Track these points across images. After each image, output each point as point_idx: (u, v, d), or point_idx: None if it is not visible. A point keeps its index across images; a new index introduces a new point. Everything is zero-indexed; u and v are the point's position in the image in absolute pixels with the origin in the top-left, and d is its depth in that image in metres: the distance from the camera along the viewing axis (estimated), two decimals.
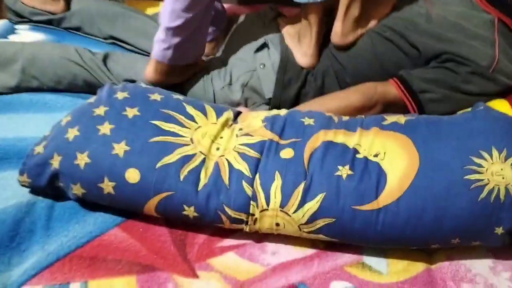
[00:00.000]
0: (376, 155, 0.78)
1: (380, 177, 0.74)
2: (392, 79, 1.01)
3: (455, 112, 0.93)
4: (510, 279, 0.73)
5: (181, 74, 1.09)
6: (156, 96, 0.89)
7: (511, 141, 0.72)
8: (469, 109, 0.85)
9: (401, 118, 0.85)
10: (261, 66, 1.09)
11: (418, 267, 0.75)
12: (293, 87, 1.09)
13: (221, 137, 0.85)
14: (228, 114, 0.90)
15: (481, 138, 0.73)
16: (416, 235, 0.72)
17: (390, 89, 0.99)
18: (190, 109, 0.88)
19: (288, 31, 1.14)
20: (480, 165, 0.70)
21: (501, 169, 0.69)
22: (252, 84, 1.09)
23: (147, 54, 1.20)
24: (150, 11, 1.44)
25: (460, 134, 0.75)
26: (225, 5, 1.36)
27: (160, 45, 1.03)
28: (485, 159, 0.71)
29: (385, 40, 1.05)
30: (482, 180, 0.69)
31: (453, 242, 0.73)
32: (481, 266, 0.75)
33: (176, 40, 1.02)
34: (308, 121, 0.86)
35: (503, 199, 0.69)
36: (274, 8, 1.27)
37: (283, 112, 0.91)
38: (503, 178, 0.69)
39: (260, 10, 1.29)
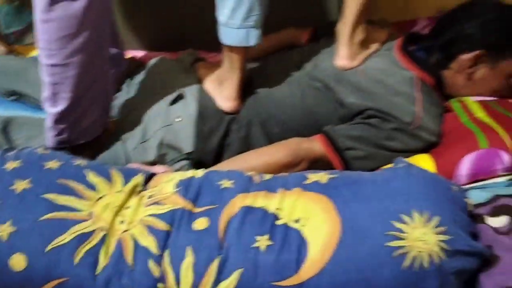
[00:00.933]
0: (297, 221, 0.72)
1: (301, 247, 0.68)
2: (317, 136, 0.98)
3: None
4: None
5: (90, 149, 0.99)
6: (53, 164, 0.79)
7: (433, 202, 0.69)
8: (391, 165, 0.82)
9: (323, 177, 0.80)
10: (177, 120, 1.02)
11: None
12: (214, 138, 1.03)
13: (127, 208, 0.76)
14: (138, 179, 0.81)
15: (401, 200, 0.69)
16: None
17: (316, 145, 0.96)
18: (91, 177, 0.78)
19: (207, 75, 1.09)
20: (401, 230, 0.66)
21: (423, 234, 0.65)
22: (168, 140, 1.01)
23: None
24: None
25: (381, 195, 0.71)
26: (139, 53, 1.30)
27: (50, 132, 0.93)
28: (406, 223, 0.66)
29: (315, 91, 1.04)
30: (404, 246, 0.65)
31: None
32: None
33: (65, 123, 0.92)
34: (226, 183, 0.79)
35: (427, 266, 0.64)
36: (193, 53, 1.21)
37: (200, 173, 0.83)
38: (425, 243, 0.65)
39: (177, 55, 1.23)
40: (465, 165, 0.88)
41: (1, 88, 1.16)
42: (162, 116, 1.02)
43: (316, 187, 0.77)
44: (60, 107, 0.90)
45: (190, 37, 1.25)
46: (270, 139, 1.04)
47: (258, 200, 0.76)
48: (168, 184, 0.80)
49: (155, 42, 1.42)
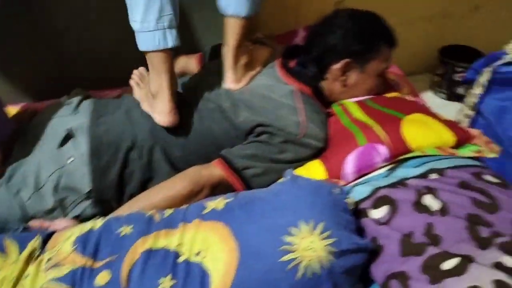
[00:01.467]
0: (198, 254, 0.74)
1: (203, 279, 0.71)
2: (215, 161, 1.01)
3: None
4: None
5: None
6: None
7: (316, 210, 0.74)
8: (281, 180, 0.86)
9: (220, 203, 0.83)
10: (70, 161, 1.00)
11: None
12: (113, 171, 1.01)
13: (26, 276, 0.74)
14: (34, 243, 0.80)
15: (288, 213, 0.74)
16: None
17: (215, 170, 0.99)
18: None
19: (138, 94, 1.10)
20: (291, 243, 0.71)
21: (311, 242, 0.71)
22: (64, 183, 0.98)
23: None
24: None
25: (271, 212, 0.76)
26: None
27: None
28: (295, 235, 0.71)
29: (210, 113, 1.07)
30: (296, 258, 0.70)
31: None
32: None
33: None
34: (125, 230, 0.80)
35: (319, 272, 0.70)
36: (80, 92, 1.19)
37: (99, 223, 0.83)
38: (314, 251, 0.70)
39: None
40: (349, 164, 0.96)
41: None
42: (53, 159, 0.99)
43: (213, 215, 0.80)
44: None
45: (74, 80, 1.24)
46: (173, 163, 1.05)
47: (159, 240, 0.77)
48: (66, 243, 0.79)
49: (40, 92, 1.39)
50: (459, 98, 1.76)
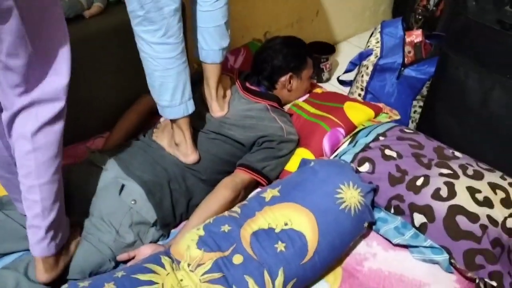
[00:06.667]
0: (286, 224, 1.12)
1: (301, 238, 1.09)
2: (238, 169, 1.36)
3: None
4: None
5: (69, 254, 1.14)
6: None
7: (344, 174, 1.20)
8: (300, 167, 1.29)
9: (274, 192, 1.20)
10: (133, 202, 1.24)
11: None
12: (166, 202, 1.29)
13: (181, 280, 1.03)
14: (165, 260, 1.07)
15: (330, 182, 1.17)
16: (336, 253, 1.14)
17: (243, 176, 1.35)
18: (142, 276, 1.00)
19: (164, 143, 1.38)
20: (342, 197, 1.15)
21: (351, 193, 1.17)
22: (135, 220, 1.23)
23: None
24: None
25: (319, 184, 1.18)
26: None
27: (42, 243, 1.04)
28: (341, 192, 1.16)
29: (213, 141, 1.40)
30: (348, 204, 1.14)
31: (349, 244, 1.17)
32: None
33: (51, 232, 1.05)
34: (224, 228, 1.12)
35: (361, 208, 1.16)
36: (89, 148, 1.40)
37: (201, 232, 1.12)
38: (354, 197, 1.16)
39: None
40: (326, 145, 1.44)
41: None
42: (118, 206, 1.22)
43: (277, 200, 1.18)
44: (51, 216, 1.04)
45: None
46: (204, 183, 1.37)
47: (252, 226, 1.12)
48: (190, 251, 1.08)
49: None
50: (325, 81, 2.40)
